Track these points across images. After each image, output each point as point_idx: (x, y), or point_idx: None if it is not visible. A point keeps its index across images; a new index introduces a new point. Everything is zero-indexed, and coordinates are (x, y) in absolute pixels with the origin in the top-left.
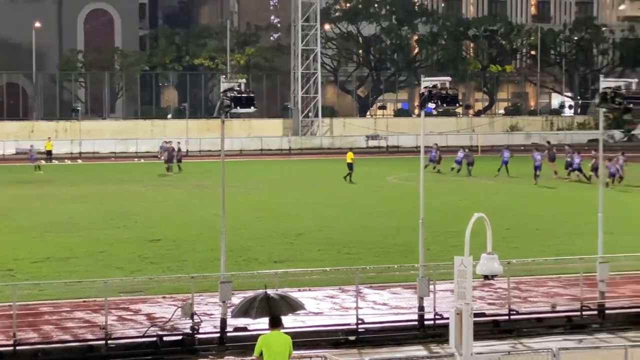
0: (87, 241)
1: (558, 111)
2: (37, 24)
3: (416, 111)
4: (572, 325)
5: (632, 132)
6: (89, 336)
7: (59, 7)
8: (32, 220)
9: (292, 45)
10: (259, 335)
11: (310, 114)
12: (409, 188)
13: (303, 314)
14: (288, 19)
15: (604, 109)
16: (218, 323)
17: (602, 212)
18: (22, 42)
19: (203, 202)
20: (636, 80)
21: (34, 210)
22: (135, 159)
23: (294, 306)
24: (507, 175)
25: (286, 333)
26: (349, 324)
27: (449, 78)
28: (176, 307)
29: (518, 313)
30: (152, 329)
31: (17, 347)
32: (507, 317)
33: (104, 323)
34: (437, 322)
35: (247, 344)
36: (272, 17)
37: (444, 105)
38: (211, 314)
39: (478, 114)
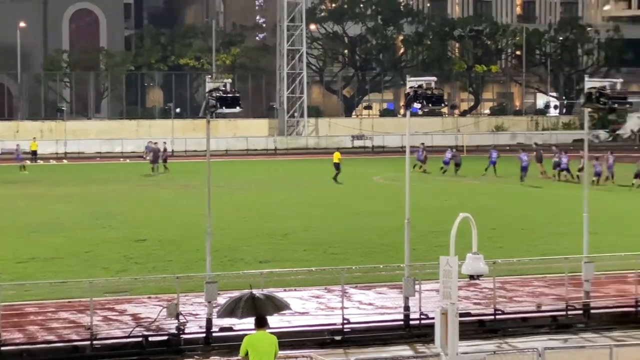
0: (72, 241)
1: (543, 111)
2: (22, 24)
3: (402, 111)
4: (557, 324)
5: (617, 132)
6: (74, 336)
7: (44, 7)
8: (17, 220)
9: (277, 45)
10: (245, 335)
11: (295, 114)
12: (395, 188)
13: (289, 314)
14: (273, 19)
15: (589, 109)
16: (204, 323)
17: (587, 212)
18: (6, 42)
19: (189, 202)
20: (621, 80)
21: (19, 210)
22: (121, 159)
23: (279, 306)
24: (494, 175)
25: (272, 333)
26: (334, 324)
27: (434, 78)
28: (162, 308)
29: (503, 313)
30: (137, 329)
31: (2, 348)
32: (492, 317)
33: (89, 323)
34: (423, 321)
35: (232, 344)
36: (258, 17)
37: (430, 105)
38: (197, 314)
39: (463, 114)
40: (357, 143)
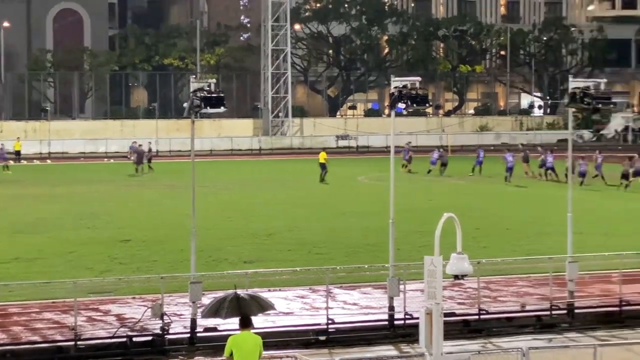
0: (56, 242)
1: (527, 111)
2: (6, 24)
3: (386, 111)
4: (541, 324)
5: (601, 132)
6: (58, 337)
7: (27, 7)
8: (0, 220)
9: (262, 45)
10: (229, 335)
11: (280, 114)
12: (380, 188)
13: (273, 314)
14: (258, 19)
15: (573, 109)
16: (188, 323)
17: (571, 212)
18: None
19: (173, 202)
20: (605, 80)
21: (2, 210)
22: (105, 159)
23: (264, 306)
24: (479, 175)
25: (256, 333)
26: (319, 324)
27: (418, 78)
28: (146, 308)
29: (488, 313)
30: (121, 329)
31: None
32: (477, 317)
33: (73, 324)
34: (407, 321)
35: (217, 344)
36: (242, 17)
37: (414, 105)
38: (181, 315)
39: (448, 114)
40: (342, 143)
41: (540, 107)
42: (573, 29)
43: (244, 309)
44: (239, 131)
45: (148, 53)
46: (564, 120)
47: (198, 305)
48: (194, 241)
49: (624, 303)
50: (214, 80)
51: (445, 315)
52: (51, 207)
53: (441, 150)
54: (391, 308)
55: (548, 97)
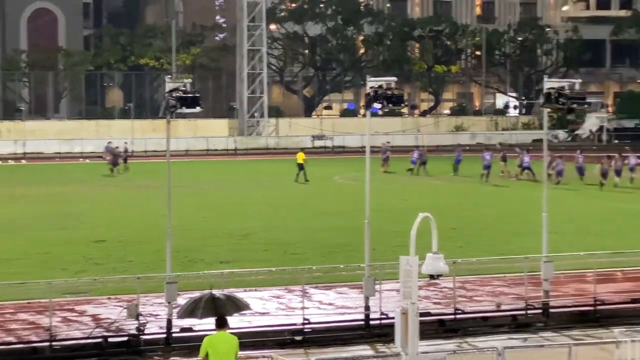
0: (30, 242)
1: (503, 111)
2: None
3: (362, 111)
4: (517, 324)
5: (576, 132)
6: (33, 338)
7: (1, 6)
8: None
9: (237, 45)
10: (205, 335)
11: (256, 114)
12: (355, 188)
13: (249, 314)
14: (233, 19)
15: (548, 109)
16: (164, 324)
17: (546, 211)
18: None
19: (149, 202)
20: (579, 80)
21: None
22: (80, 160)
23: (239, 306)
24: (456, 174)
25: (232, 333)
26: (295, 324)
27: (394, 78)
28: (121, 308)
29: (463, 312)
30: (97, 330)
31: None
32: (452, 317)
33: (48, 325)
34: (383, 321)
35: (193, 344)
36: (218, 17)
37: (390, 105)
38: (157, 315)
39: (423, 114)
40: (318, 143)
41: (515, 107)
42: (548, 29)
43: (220, 309)
44: (214, 131)
45: (123, 53)
46: (539, 120)
47: (174, 306)
48: (169, 241)
49: (598, 302)
50: (190, 80)
51: (421, 315)
52: (26, 208)
53: (421, 149)
54: (367, 308)
55: (523, 97)
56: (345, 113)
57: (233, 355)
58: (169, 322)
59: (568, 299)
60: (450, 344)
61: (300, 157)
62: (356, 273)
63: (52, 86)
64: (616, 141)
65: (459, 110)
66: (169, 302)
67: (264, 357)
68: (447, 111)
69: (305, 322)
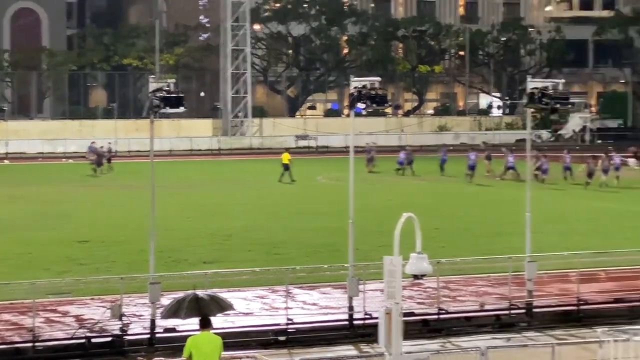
0: (13, 242)
1: (486, 111)
2: None
3: (346, 111)
4: (500, 323)
5: (559, 132)
6: (16, 338)
7: None
8: None
9: (221, 45)
10: (189, 336)
11: (239, 114)
12: (339, 188)
13: (233, 315)
14: (217, 19)
15: (531, 109)
16: (147, 324)
17: (529, 211)
18: None
19: (132, 202)
20: (563, 80)
21: None
22: (63, 160)
23: (223, 306)
24: (440, 175)
25: (216, 333)
26: (278, 324)
27: (378, 78)
28: (105, 309)
29: (447, 312)
30: (80, 330)
31: None
32: (436, 317)
33: (31, 325)
34: (367, 321)
35: (176, 344)
36: (201, 17)
37: (373, 105)
38: (140, 315)
39: (407, 114)
40: (302, 143)
41: (499, 107)
42: (531, 29)
43: (204, 309)
44: (198, 131)
45: (107, 53)
46: (522, 120)
47: (157, 306)
48: (153, 241)
49: (581, 302)
50: (173, 80)
51: (405, 315)
52: (9, 208)
53: (407, 148)
54: (351, 308)
55: (507, 98)
56: (329, 113)
57: (217, 355)
58: (153, 322)
59: (551, 299)
60: (433, 344)
61: (286, 158)
62: (340, 273)
63: (35, 86)
64: (599, 141)
65: (443, 111)
66: (152, 303)
67: (247, 357)
68: (431, 111)
69: (289, 322)
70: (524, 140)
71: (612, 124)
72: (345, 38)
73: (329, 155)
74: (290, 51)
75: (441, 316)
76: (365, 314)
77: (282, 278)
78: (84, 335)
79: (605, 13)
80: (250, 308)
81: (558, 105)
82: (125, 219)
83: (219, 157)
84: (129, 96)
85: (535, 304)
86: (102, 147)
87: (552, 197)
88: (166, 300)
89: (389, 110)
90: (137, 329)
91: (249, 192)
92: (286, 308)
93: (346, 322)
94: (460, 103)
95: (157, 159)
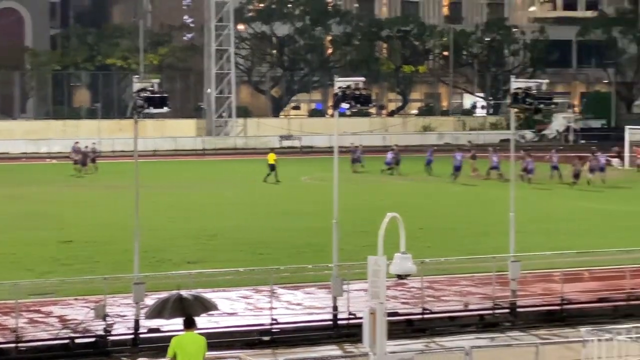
0: None
1: (470, 111)
2: None
3: (330, 111)
4: (484, 323)
5: (543, 132)
6: None
7: None
8: None
9: (205, 45)
10: (173, 336)
11: (224, 114)
12: (323, 188)
13: (217, 315)
14: (201, 19)
15: (515, 110)
16: (131, 324)
17: (513, 211)
18: None
19: (116, 202)
20: (546, 81)
21: None
22: (47, 160)
23: (207, 307)
24: (428, 174)
25: (200, 334)
26: (263, 324)
27: (362, 78)
28: (89, 309)
29: (431, 312)
30: (64, 331)
31: None
32: (420, 316)
33: (14, 326)
34: (351, 321)
35: (160, 345)
36: (185, 17)
37: (358, 105)
38: (124, 316)
39: (391, 114)
40: (286, 143)
41: (482, 107)
42: (515, 30)
43: (188, 309)
44: (182, 131)
45: (90, 53)
46: (506, 120)
47: (141, 306)
48: (137, 242)
49: (565, 302)
50: (157, 80)
51: (389, 314)
52: None
53: (395, 148)
54: (335, 308)
55: (491, 98)
56: (313, 113)
57: (201, 355)
58: (137, 322)
59: (535, 299)
60: (418, 344)
61: (272, 158)
62: (324, 273)
63: (18, 86)
64: (583, 141)
65: (427, 111)
66: (136, 303)
67: (231, 357)
68: (415, 111)
69: (274, 322)
70: (508, 140)
71: (596, 124)
72: (329, 38)
73: (313, 155)
74: (274, 51)
75: (425, 316)
76: (350, 314)
77: (267, 278)
78: (67, 336)
79: (589, 13)
80: (235, 308)
81: (542, 106)
82: (109, 219)
83: (203, 157)
84: (113, 96)
85: (519, 303)
86: (86, 147)
87: (538, 196)
88: (150, 300)
89: (373, 110)
90: (121, 330)
91: (233, 192)
92: (270, 308)
93: (330, 322)
94: (444, 103)
95: (141, 159)
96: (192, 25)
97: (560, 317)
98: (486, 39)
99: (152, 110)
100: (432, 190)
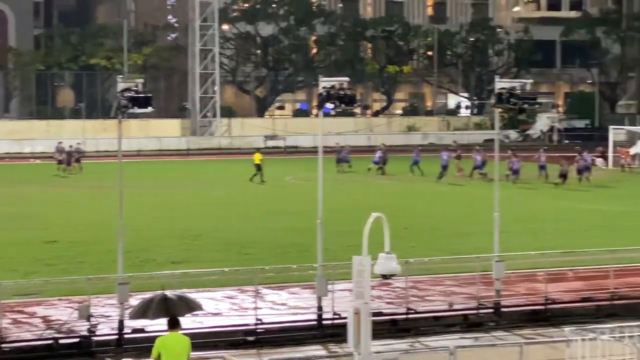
0: None
1: (454, 111)
2: None
3: (314, 111)
4: (468, 323)
5: (527, 132)
6: None
7: None
8: None
9: (189, 45)
10: (157, 336)
11: (208, 114)
12: (308, 188)
13: (202, 315)
14: (186, 19)
15: (499, 110)
16: (116, 325)
17: (498, 211)
18: None
19: (100, 203)
20: (531, 81)
21: None
22: (31, 160)
23: (192, 307)
24: (416, 174)
25: (185, 334)
26: (247, 325)
27: (347, 78)
28: (73, 310)
29: (416, 312)
30: (48, 331)
31: None
32: (405, 316)
33: None
34: (336, 321)
35: (145, 345)
36: (170, 17)
37: (342, 105)
38: (109, 316)
39: (376, 114)
40: (270, 143)
41: (467, 107)
42: (499, 30)
43: (172, 309)
44: (166, 131)
45: (74, 52)
46: (490, 120)
47: (126, 307)
48: (121, 242)
49: (549, 301)
50: (142, 80)
51: (374, 314)
52: None
53: (382, 147)
54: (320, 308)
55: (475, 98)
56: (297, 113)
57: (185, 356)
58: (121, 323)
59: (519, 298)
60: (402, 344)
61: (257, 158)
62: (309, 273)
63: (2, 86)
64: (567, 141)
65: (411, 111)
66: (120, 303)
67: (216, 357)
68: (399, 111)
69: (258, 322)
70: (492, 140)
71: (580, 124)
72: (313, 38)
73: (297, 155)
74: (259, 51)
75: (410, 316)
76: (334, 314)
77: (251, 278)
78: (51, 336)
79: (573, 14)
80: (219, 308)
81: (526, 106)
82: (93, 219)
83: (188, 157)
84: (97, 96)
85: (503, 303)
86: (70, 146)
87: (525, 196)
88: (135, 300)
89: (357, 110)
90: (105, 330)
91: (218, 192)
92: (255, 308)
93: (315, 322)
94: (429, 103)
95: (126, 159)
96: (176, 25)
97: (544, 316)
98: (470, 39)
99: (137, 110)
100: (418, 190)
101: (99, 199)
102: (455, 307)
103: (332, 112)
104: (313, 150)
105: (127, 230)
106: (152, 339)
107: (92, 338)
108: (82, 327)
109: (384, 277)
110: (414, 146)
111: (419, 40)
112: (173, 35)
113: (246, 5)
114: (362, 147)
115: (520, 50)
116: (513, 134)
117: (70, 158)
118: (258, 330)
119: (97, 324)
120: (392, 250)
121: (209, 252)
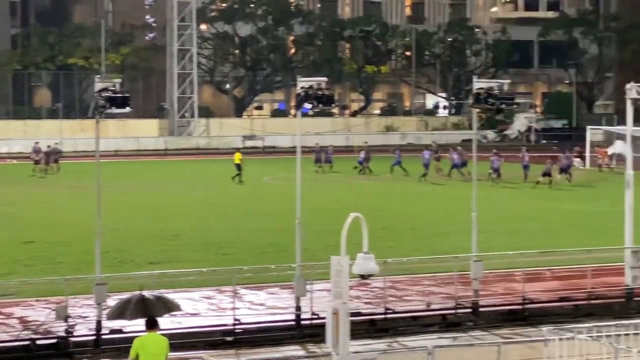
0: None
1: (432, 111)
2: None
3: (292, 111)
4: (446, 323)
5: (505, 133)
6: None
7: None
8: None
9: (167, 45)
10: (135, 337)
11: (186, 114)
12: (286, 188)
13: (180, 315)
14: (163, 19)
15: (477, 110)
16: (93, 325)
17: (476, 211)
18: None
19: (78, 203)
20: (508, 81)
21: None
22: (8, 160)
23: (170, 307)
24: (390, 175)
25: (163, 334)
26: (226, 325)
27: (325, 78)
28: (50, 310)
29: (394, 312)
30: (25, 332)
31: None
32: (383, 316)
33: None
34: (314, 321)
35: (122, 346)
36: (147, 17)
37: (320, 105)
38: (86, 317)
39: (354, 114)
40: (248, 143)
41: (445, 107)
42: (477, 30)
43: (150, 310)
44: (144, 131)
45: (51, 52)
46: (468, 120)
47: (103, 307)
48: (98, 242)
49: (526, 301)
50: (119, 80)
51: (352, 314)
52: None
53: (366, 147)
54: (298, 308)
55: (453, 98)
56: (276, 113)
57: (163, 356)
58: (99, 323)
59: (497, 298)
60: (381, 344)
61: (237, 157)
62: (287, 273)
63: None
64: (544, 141)
65: (389, 111)
66: (98, 304)
67: (194, 358)
68: (378, 111)
69: (236, 322)
70: (470, 140)
71: (557, 124)
72: (291, 38)
73: (276, 155)
74: (237, 51)
75: (388, 316)
76: (313, 314)
77: (230, 278)
78: (28, 337)
79: (550, 14)
80: (197, 309)
81: (503, 106)
82: (71, 219)
83: (166, 157)
84: (74, 96)
85: (481, 303)
86: (48, 146)
87: (507, 196)
88: (112, 301)
89: (335, 110)
90: (83, 331)
91: (196, 193)
92: (233, 308)
93: (293, 322)
94: (407, 103)
95: (103, 159)
96: (154, 25)
97: (522, 316)
98: (448, 39)
99: (114, 110)
100: (398, 190)
101: (76, 199)
102: (434, 307)
103: (310, 112)
104: (291, 150)
105: (105, 230)
106: (130, 340)
107: (70, 339)
108: (60, 328)
109: (362, 277)
110: (392, 146)
111: (396, 41)
112: (151, 35)
113: (224, 5)
114: (340, 147)
115: (497, 50)
116: (491, 134)
117: (48, 158)
118: (236, 331)
119: (74, 324)
120: (370, 250)
121: (187, 253)
